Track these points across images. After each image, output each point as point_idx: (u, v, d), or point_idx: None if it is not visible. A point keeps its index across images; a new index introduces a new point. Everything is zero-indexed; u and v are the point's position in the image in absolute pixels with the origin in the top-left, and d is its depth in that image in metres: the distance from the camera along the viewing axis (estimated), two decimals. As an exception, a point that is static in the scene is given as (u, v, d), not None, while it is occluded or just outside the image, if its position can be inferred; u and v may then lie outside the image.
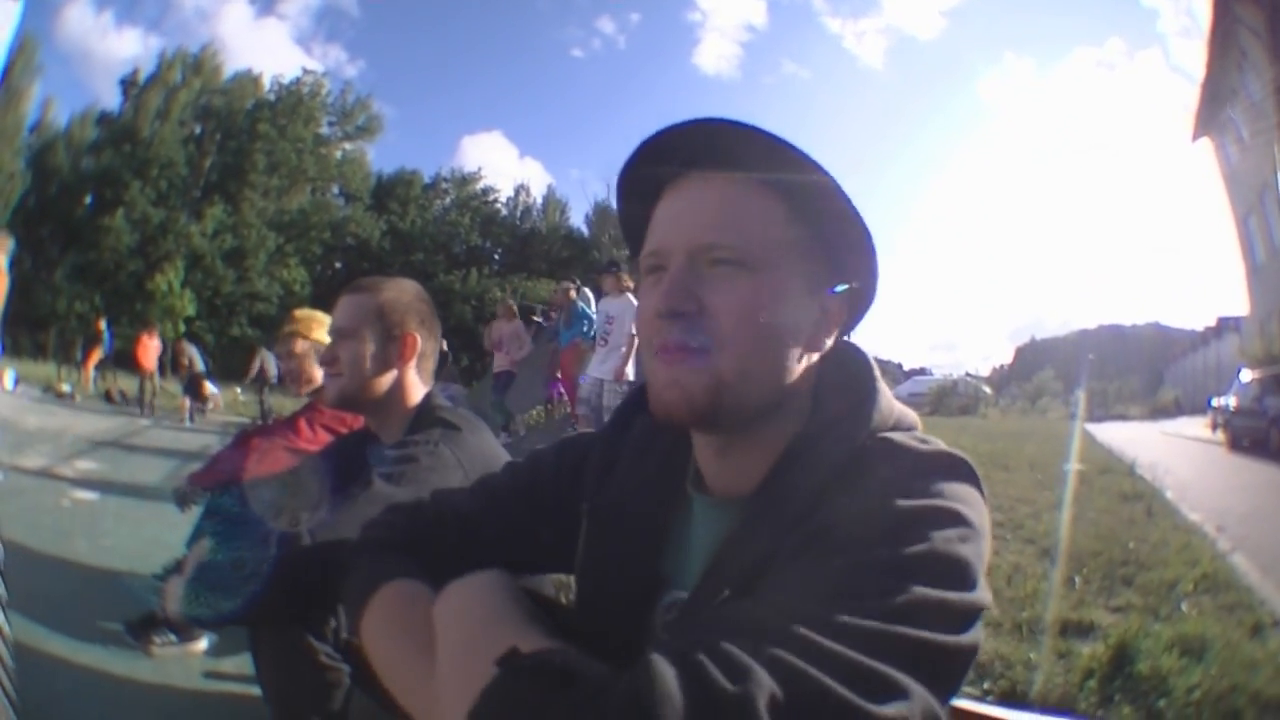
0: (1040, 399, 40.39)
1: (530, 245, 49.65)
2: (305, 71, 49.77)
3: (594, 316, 10.78)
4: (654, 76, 71.33)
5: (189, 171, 45.46)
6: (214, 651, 3.67)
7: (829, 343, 1.10)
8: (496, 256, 49.95)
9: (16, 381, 16.50)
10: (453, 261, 47.42)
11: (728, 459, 1.10)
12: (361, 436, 2.41)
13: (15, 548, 5.14)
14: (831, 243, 1.07)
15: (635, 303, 8.99)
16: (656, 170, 1.09)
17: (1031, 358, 59.68)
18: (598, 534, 1.20)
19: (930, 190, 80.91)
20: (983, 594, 0.86)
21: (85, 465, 9.62)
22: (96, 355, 21.93)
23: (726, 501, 1.10)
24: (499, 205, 53.12)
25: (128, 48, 59.95)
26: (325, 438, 3.32)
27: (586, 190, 78.51)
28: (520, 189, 53.85)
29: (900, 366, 50.23)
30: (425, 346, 2.25)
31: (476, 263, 47.31)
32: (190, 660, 3.57)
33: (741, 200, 1.03)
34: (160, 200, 43.77)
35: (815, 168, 1.02)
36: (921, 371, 49.62)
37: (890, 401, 1.08)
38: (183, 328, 34.46)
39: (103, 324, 22.61)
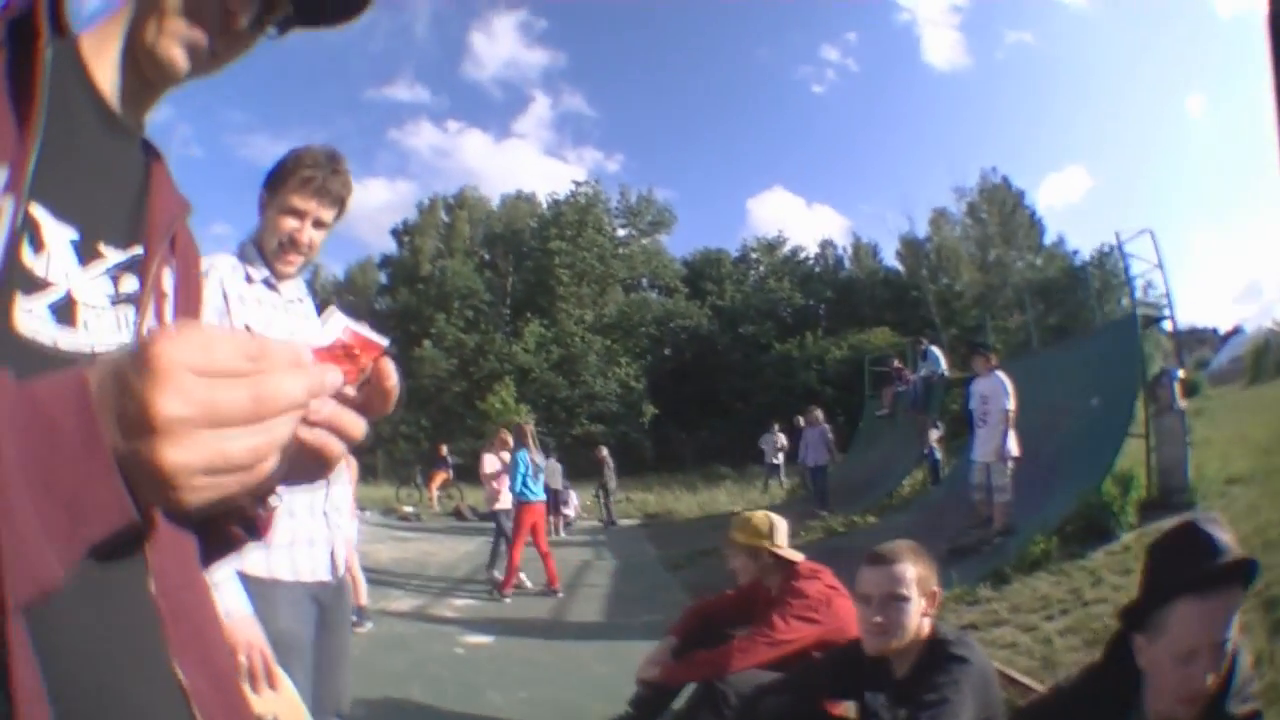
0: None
1: (851, 294, 48.96)
2: (577, 185, 52.94)
3: (538, 464, 10.81)
4: (897, 86, 71.34)
5: (493, 296, 49.06)
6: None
7: None
8: (821, 313, 49.73)
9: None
10: (782, 328, 47.69)
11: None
12: (855, 650, 3.01)
13: (423, 709, 5.51)
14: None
15: (1005, 380, 9.01)
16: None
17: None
18: None
19: (1188, 120, 72.17)
20: None
21: (463, 602, 9.81)
22: (440, 477, 23.73)
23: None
24: (810, 262, 53.63)
25: (374, 197, 65.40)
26: (801, 627, 3.76)
27: (889, 225, 77.47)
28: (826, 244, 54.42)
29: (1216, 331, 44.85)
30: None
31: (806, 325, 47.20)
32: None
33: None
34: (470, 327, 47.46)
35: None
36: (1236, 331, 44.35)
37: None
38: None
39: (444, 449, 24.55)
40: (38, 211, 0.84)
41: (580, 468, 25.46)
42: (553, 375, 44.72)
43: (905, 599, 2.72)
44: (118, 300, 0.95)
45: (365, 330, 0.80)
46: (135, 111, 1.04)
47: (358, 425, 0.78)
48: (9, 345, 0.79)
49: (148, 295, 0.98)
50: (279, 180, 2.51)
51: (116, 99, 0.99)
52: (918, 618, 2.74)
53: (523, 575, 10.84)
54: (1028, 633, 6.41)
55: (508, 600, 9.83)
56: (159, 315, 1.02)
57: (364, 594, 7.63)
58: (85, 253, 0.90)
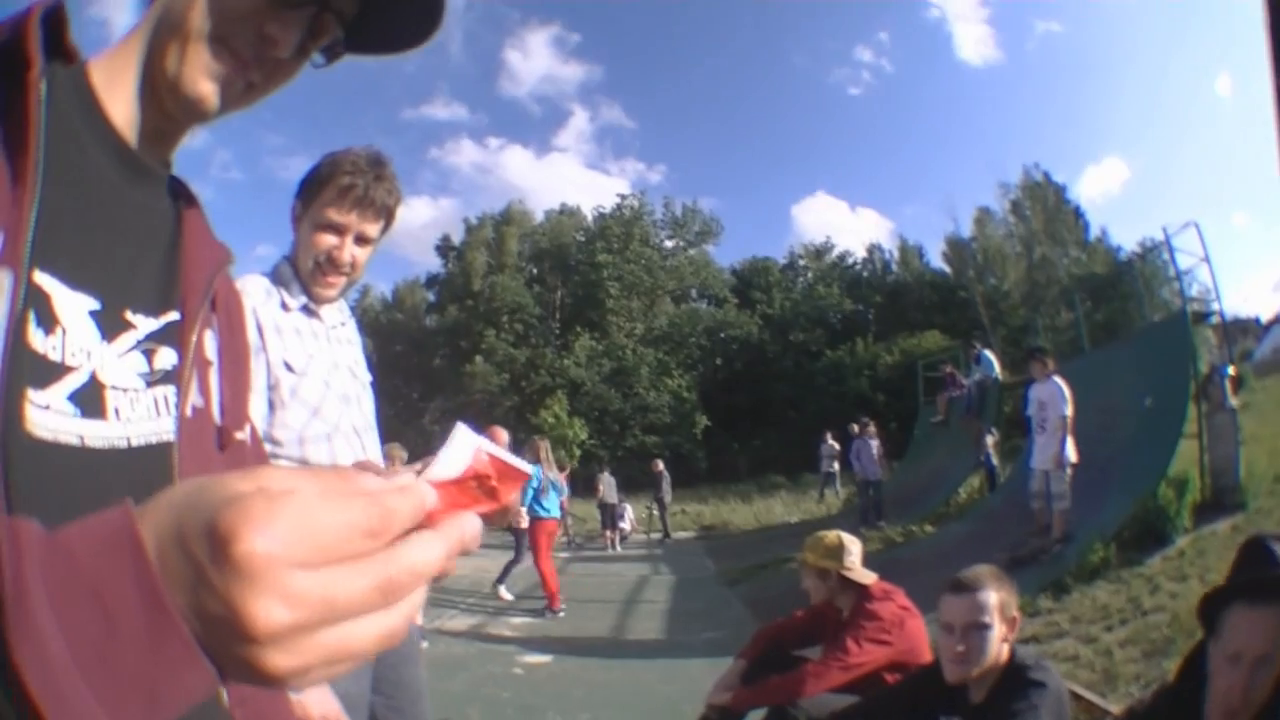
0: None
1: (900, 298, 49.07)
2: (621, 198, 53.70)
3: (556, 483, 10.83)
4: (932, 83, 73.63)
5: (542, 311, 49.59)
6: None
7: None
8: (870, 318, 49.48)
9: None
10: (832, 334, 47.75)
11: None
12: (931, 674, 3.05)
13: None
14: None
15: (1063, 385, 8.88)
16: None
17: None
18: None
19: (1219, 101, 70.32)
20: None
21: (521, 621, 9.67)
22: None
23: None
24: (858, 267, 53.80)
25: (419, 215, 67.31)
26: (874, 650, 3.69)
27: (933, 225, 77.33)
28: (873, 248, 54.67)
29: (1258, 320, 44.11)
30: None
31: (856, 331, 47.37)
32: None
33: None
34: (520, 341, 47.92)
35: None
36: (1278, 320, 43.62)
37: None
38: (577, 453, 36.10)
39: None
40: (45, 281, 0.70)
41: (635, 480, 25.49)
42: (605, 388, 45.09)
43: (987, 626, 2.72)
44: (154, 380, 0.82)
45: (505, 455, 0.63)
46: (159, 148, 0.90)
47: (475, 540, 0.58)
48: (24, 453, 0.66)
49: (189, 369, 0.85)
50: (314, 190, 2.16)
51: (135, 135, 0.85)
52: (998, 644, 2.73)
53: (502, 588, 11.06)
54: (1088, 644, 6.31)
55: (561, 614, 9.79)
56: (203, 389, 0.90)
57: (419, 613, 7.40)
58: (109, 325, 0.77)
